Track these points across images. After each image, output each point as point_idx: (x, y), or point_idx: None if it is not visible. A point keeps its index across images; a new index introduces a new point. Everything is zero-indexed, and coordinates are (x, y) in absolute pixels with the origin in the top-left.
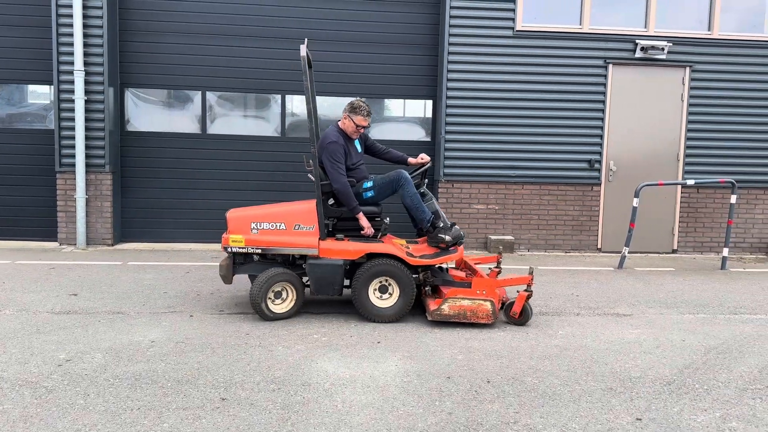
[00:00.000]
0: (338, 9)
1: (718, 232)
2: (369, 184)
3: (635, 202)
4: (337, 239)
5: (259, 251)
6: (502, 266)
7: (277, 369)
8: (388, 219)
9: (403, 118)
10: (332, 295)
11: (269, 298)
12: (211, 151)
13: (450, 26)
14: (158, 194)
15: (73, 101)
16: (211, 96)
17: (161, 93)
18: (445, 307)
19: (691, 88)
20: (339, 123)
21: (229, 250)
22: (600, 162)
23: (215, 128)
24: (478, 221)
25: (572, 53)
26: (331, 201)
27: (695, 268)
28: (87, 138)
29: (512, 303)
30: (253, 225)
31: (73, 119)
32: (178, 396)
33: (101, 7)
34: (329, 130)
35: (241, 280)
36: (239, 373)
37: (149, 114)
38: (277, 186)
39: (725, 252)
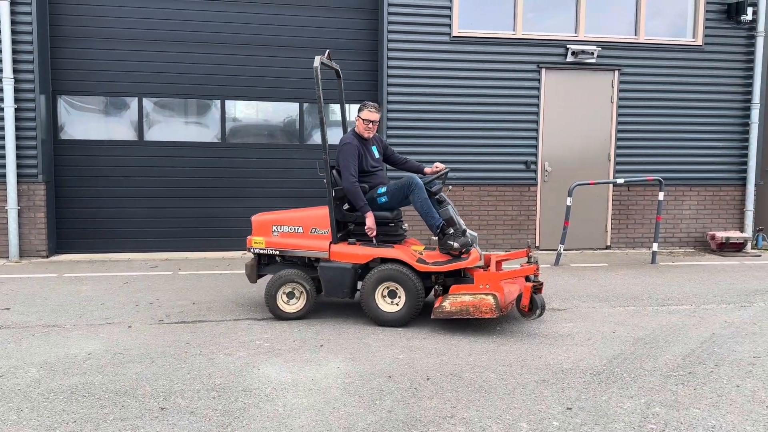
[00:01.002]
0: (278, 15)
1: (648, 228)
2: (383, 189)
3: (569, 201)
4: (349, 243)
5: (277, 253)
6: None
7: (218, 376)
8: (406, 225)
9: (347, 122)
10: (342, 298)
11: (281, 299)
12: (149, 158)
13: (388, 32)
14: (95, 203)
15: (1, 109)
16: (147, 102)
17: (96, 100)
18: (447, 304)
19: (620, 90)
20: (354, 127)
21: (252, 251)
22: (536, 163)
23: (153, 135)
24: (422, 223)
25: (507, 58)
26: (346, 206)
27: (627, 263)
28: (18, 147)
29: (520, 296)
30: (274, 228)
31: (2, 128)
32: (115, 407)
33: (30, 13)
34: (346, 135)
35: (181, 289)
36: (179, 382)
37: (84, 122)
38: (217, 192)
39: (655, 247)
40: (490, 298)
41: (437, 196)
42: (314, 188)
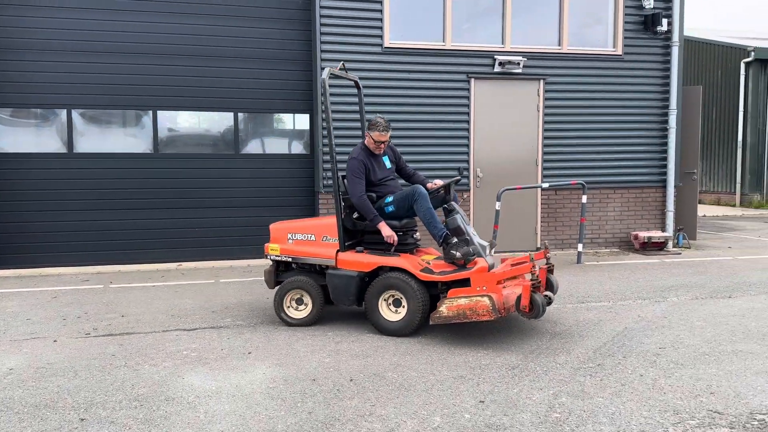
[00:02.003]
0: (210, 25)
1: (575, 229)
2: (389, 199)
3: (497, 205)
4: (356, 251)
5: (290, 260)
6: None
7: (141, 387)
8: (418, 234)
9: (282, 132)
10: (348, 306)
11: (290, 305)
12: (80, 170)
13: (321, 43)
14: (24, 218)
15: None
16: (77, 114)
17: (24, 112)
18: (443, 309)
19: (545, 99)
20: (365, 140)
21: (269, 257)
22: (468, 170)
23: (83, 147)
24: None
25: (437, 68)
26: (355, 214)
27: (555, 264)
28: None
29: (520, 297)
30: (289, 236)
31: None
32: (34, 420)
33: None
34: (354, 148)
35: (111, 302)
36: (101, 394)
37: (11, 134)
38: (150, 204)
39: (580, 247)
40: (486, 300)
41: (446, 205)
42: (252, 197)
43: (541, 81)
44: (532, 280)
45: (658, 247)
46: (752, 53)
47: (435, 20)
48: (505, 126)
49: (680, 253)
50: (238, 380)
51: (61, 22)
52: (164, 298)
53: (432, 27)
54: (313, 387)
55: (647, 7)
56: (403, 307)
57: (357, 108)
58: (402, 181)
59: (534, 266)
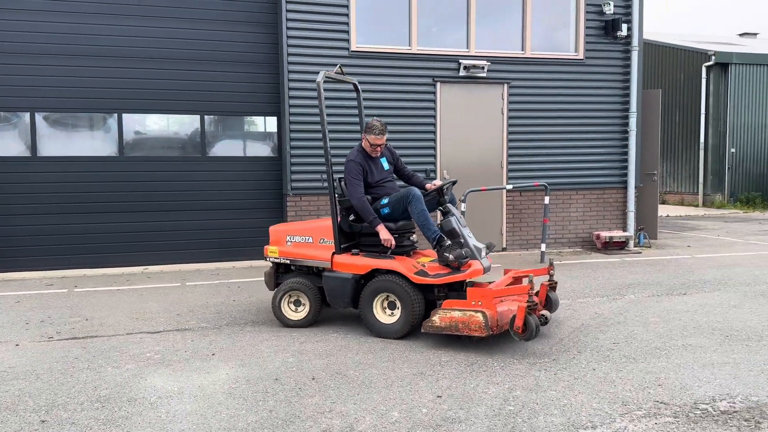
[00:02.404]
0: (177, 29)
1: (539, 230)
2: (385, 201)
3: (463, 206)
4: (352, 254)
5: (288, 262)
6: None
7: (104, 388)
8: (414, 236)
9: (250, 134)
10: (344, 308)
11: (288, 307)
12: (44, 174)
13: (288, 46)
14: None
15: None
16: (40, 117)
17: None
18: (436, 319)
19: (509, 102)
20: (362, 143)
21: (268, 259)
22: (434, 171)
23: (47, 150)
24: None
25: (403, 72)
26: (352, 217)
27: (519, 263)
28: None
29: (514, 318)
30: (288, 238)
31: None
32: None
33: None
34: (352, 150)
35: (75, 306)
36: (63, 396)
37: None
38: (116, 207)
39: (543, 247)
40: (480, 316)
41: (441, 208)
42: (219, 200)
43: (505, 85)
44: (528, 302)
45: (620, 246)
46: (713, 57)
47: (401, 25)
48: (471, 129)
49: (640, 252)
50: (200, 381)
51: (24, 24)
52: (129, 302)
53: (398, 31)
54: (275, 386)
55: (608, 12)
56: (398, 309)
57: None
58: (402, 183)
59: (531, 288)
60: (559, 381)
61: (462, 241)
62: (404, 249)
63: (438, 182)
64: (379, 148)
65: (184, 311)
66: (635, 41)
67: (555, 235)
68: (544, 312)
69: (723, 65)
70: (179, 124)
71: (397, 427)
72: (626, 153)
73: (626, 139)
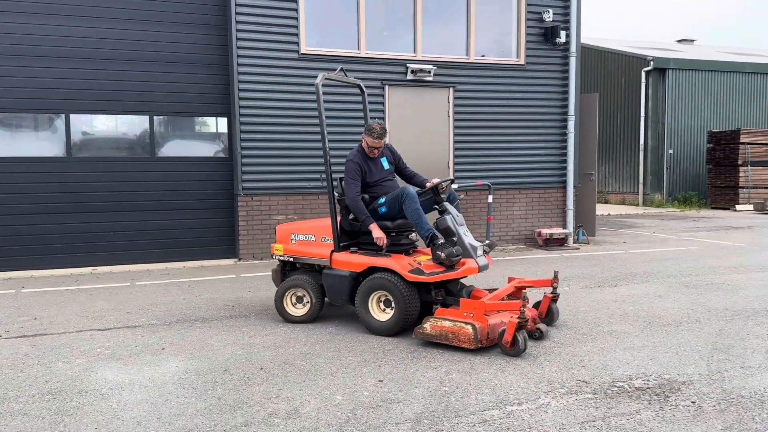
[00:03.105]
0: (126, 30)
1: (484, 228)
2: (382, 200)
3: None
4: (351, 252)
5: (292, 259)
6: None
7: (55, 382)
8: (414, 234)
9: (200, 135)
10: (342, 304)
11: (290, 302)
12: None
13: (237, 48)
14: None
15: None
16: None
17: None
18: (427, 326)
19: (455, 105)
20: (362, 143)
21: (274, 257)
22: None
23: None
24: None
25: (352, 75)
26: (351, 215)
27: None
28: None
29: (503, 332)
30: (292, 236)
31: None
32: None
33: None
34: (352, 150)
35: (23, 306)
36: (14, 390)
37: None
38: (63, 208)
39: (486, 242)
40: (469, 328)
41: (437, 206)
42: (169, 200)
43: (451, 88)
44: (519, 318)
45: (560, 243)
46: (651, 62)
47: (350, 29)
48: (419, 130)
49: (579, 248)
50: (150, 373)
51: None
52: (78, 301)
53: (347, 35)
54: (224, 376)
55: (547, 20)
56: (393, 307)
57: (273, 112)
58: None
59: (524, 304)
60: (492, 365)
61: (456, 239)
62: (402, 247)
63: (435, 180)
64: (376, 150)
65: (134, 309)
66: (573, 47)
67: (499, 233)
68: (540, 326)
69: (661, 70)
70: (128, 125)
71: (340, 408)
72: (565, 154)
73: (565, 141)
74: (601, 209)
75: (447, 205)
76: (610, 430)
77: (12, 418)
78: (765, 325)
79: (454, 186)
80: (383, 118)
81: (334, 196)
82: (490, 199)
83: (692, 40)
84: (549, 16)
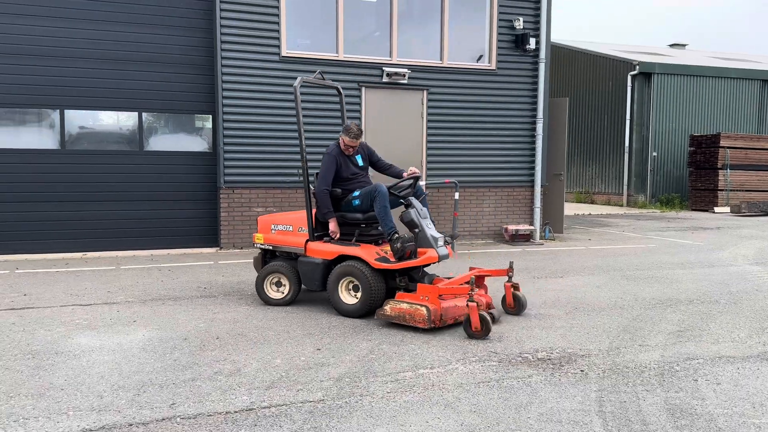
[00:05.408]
0: (119, 31)
1: (452, 222)
2: (357, 193)
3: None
4: (324, 241)
5: (272, 248)
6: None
7: (35, 345)
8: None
9: (186, 130)
10: (316, 290)
11: (271, 287)
12: None
13: (222, 50)
14: None
15: None
16: None
17: None
18: (387, 308)
19: (429, 107)
20: (339, 139)
21: (256, 246)
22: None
23: None
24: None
25: (331, 77)
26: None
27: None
28: None
29: (469, 319)
30: (272, 226)
31: None
32: None
33: None
34: (330, 146)
35: (15, 284)
36: None
37: None
38: (57, 197)
39: (453, 237)
40: (423, 310)
41: (404, 201)
42: (156, 192)
43: (425, 91)
44: (470, 301)
45: (525, 238)
46: (637, 67)
47: (329, 33)
48: (393, 130)
49: (543, 244)
50: (119, 340)
51: None
52: (66, 282)
53: (326, 39)
54: (183, 344)
55: (518, 27)
56: (360, 291)
57: (255, 110)
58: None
59: (472, 288)
60: (421, 338)
61: (418, 231)
62: (372, 237)
63: (413, 169)
64: (352, 149)
65: (115, 289)
66: (543, 54)
67: (469, 228)
68: (492, 311)
69: (646, 74)
70: (118, 121)
71: (277, 369)
72: (534, 155)
73: (534, 142)
74: (585, 209)
75: (412, 199)
76: (500, 389)
77: None
78: (680, 313)
79: (423, 182)
80: (359, 118)
81: (310, 190)
82: (456, 195)
83: (684, 45)
84: (519, 24)
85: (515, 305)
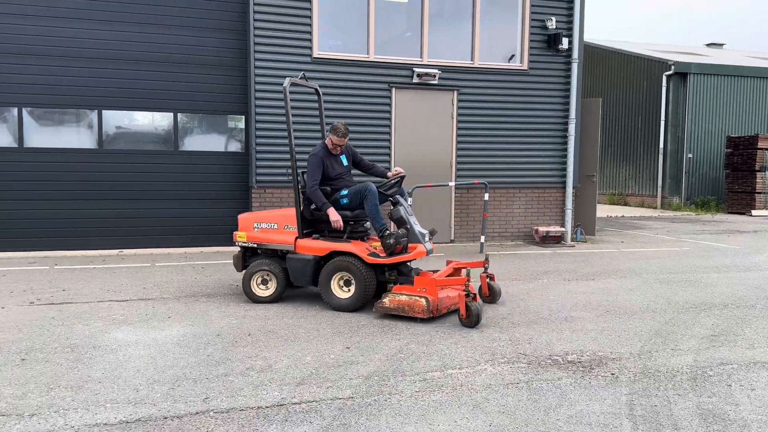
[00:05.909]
0: (155, 34)
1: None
2: (344, 192)
3: (410, 200)
4: (313, 238)
5: (256, 246)
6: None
7: (75, 339)
8: (368, 224)
9: (219, 131)
10: (306, 286)
11: (257, 285)
12: (29, 164)
13: (255, 52)
14: None
15: None
16: (26, 112)
17: None
18: (386, 301)
19: (459, 107)
20: (325, 140)
21: (237, 244)
22: (389, 170)
23: (32, 142)
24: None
25: (362, 78)
26: (313, 206)
27: (462, 253)
28: None
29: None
30: (255, 224)
31: None
32: None
33: None
34: (316, 146)
35: (55, 279)
36: (40, 343)
37: None
38: (94, 195)
39: (482, 239)
40: (423, 301)
41: (391, 199)
42: (190, 191)
43: (455, 92)
44: (465, 291)
45: (556, 240)
46: (672, 67)
47: (360, 34)
48: (423, 131)
49: (574, 246)
50: (155, 335)
51: (14, 27)
52: (102, 278)
53: (357, 40)
54: (216, 339)
55: (550, 27)
56: (353, 286)
57: (285, 111)
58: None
59: (468, 279)
60: (449, 339)
61: (408, 227)
62: (359, 234)
63: (398, 169)
64: (339, 148)
65: (150, 286)
66: (575, 54)
67: (499, 229)
68: (479, 302)
69: (682, 75)
70: (154, 121)
71: (307, 366)
72: (566, 156)
73: (566, 143)
74: (618, 211)
75: (399, 198)
76: (529, 391)
77: (37, 364)
78: (714, 317)
79: (451, 183)
80: (389, 119)
81: (299, 188)
82: (486, 196)
83: (721, 44)
84: (552, 24)
85: (490, 294)
